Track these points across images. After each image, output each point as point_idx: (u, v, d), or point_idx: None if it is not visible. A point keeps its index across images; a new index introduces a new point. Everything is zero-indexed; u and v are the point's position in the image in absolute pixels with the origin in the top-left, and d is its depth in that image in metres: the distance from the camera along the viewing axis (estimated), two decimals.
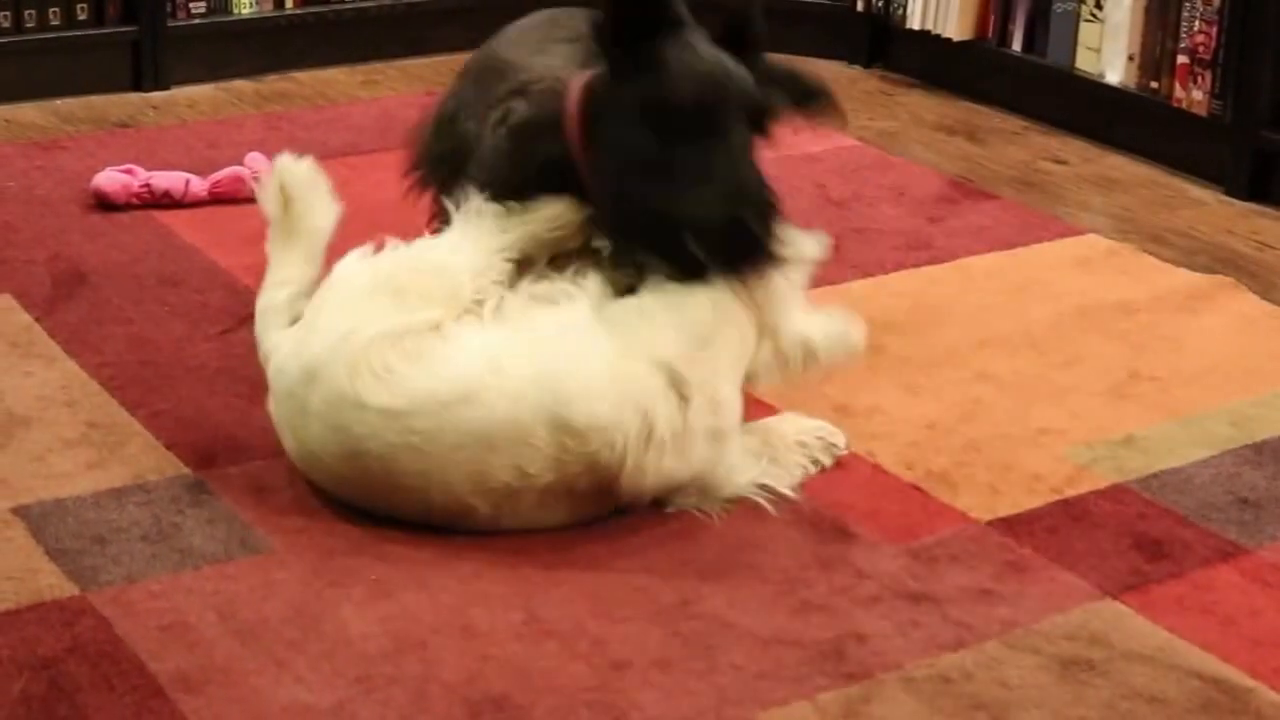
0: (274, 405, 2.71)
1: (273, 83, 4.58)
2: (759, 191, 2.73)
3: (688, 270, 2.70)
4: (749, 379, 2.80)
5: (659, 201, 2.68)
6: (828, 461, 2.84)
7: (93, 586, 2.48)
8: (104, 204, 3.69)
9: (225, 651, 2.36)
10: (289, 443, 2.70)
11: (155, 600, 2.46)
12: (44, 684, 2.27)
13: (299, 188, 2.85)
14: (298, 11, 4.69)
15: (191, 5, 4.56)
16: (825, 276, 3.50)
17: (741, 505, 2.73)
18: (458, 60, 4.79)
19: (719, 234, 2.67)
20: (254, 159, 3.74)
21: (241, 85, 4.59)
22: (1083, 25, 4.43)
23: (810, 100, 2.96)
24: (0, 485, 2.71)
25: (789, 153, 4.16)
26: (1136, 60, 4.32)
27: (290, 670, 2.33)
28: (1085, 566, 2.62)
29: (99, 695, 2.26)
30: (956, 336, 3.31)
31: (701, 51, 2.76)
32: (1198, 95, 4.19)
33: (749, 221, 2.68)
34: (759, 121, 2.80)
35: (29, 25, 4.37)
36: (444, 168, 3.02)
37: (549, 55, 3.03)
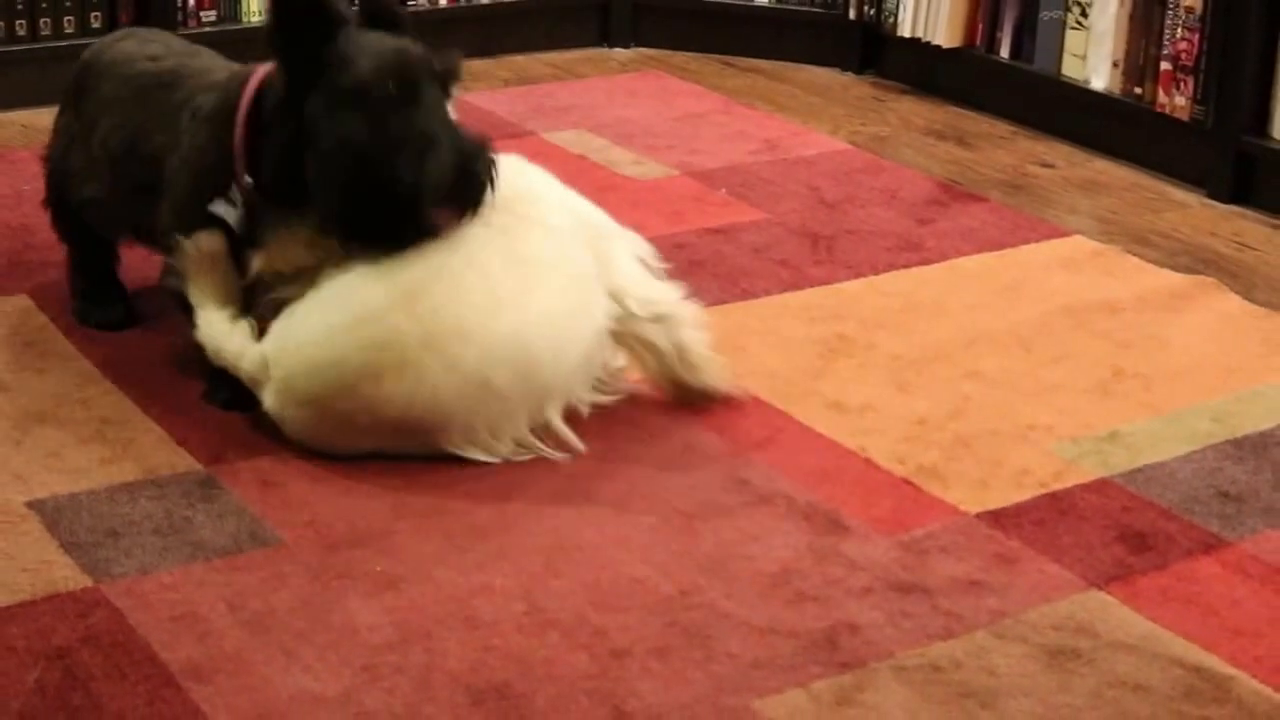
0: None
1: None
2: (477, 143, 2.87)
3: (417, 235, 2.80)
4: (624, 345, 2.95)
5: (398, 174, 2.75)
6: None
7: (106, 578, 2.48)
8: None
9: (235, 641, 2.36)
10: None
11: (167, 592, 2.46)
12: (58, 673, 2.27)
13: (218, 257, 2.89)
14: None
15: (202, 13, 4.56)
16: (818, 277, 3.52)
17: (738, 500, 2.73)
18: (467, 67, 4.81)
19: (456, 188, 2.82)
20: None
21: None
22: (1068, 33, 4.43)
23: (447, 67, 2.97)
24: (16, 480, 2.71)
25: (784, 156, 4.18)
26: (1121, 67, 4.33)
27: (298, 660, 2.32)
28: (1071, 558, 2.62)
29: (112, 684, 2.26)
30: (946, 335, 3.31)
31: (373, 38, 2.85)
32: (1180, 101, 4.19)
33: (480, 172, 2.82)
34: (444, 86, 2.89)
35: (44, 33, 4.38)
36: (142, 197, 3.03)
37: (198, 59, 3.18)
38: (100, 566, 2.50)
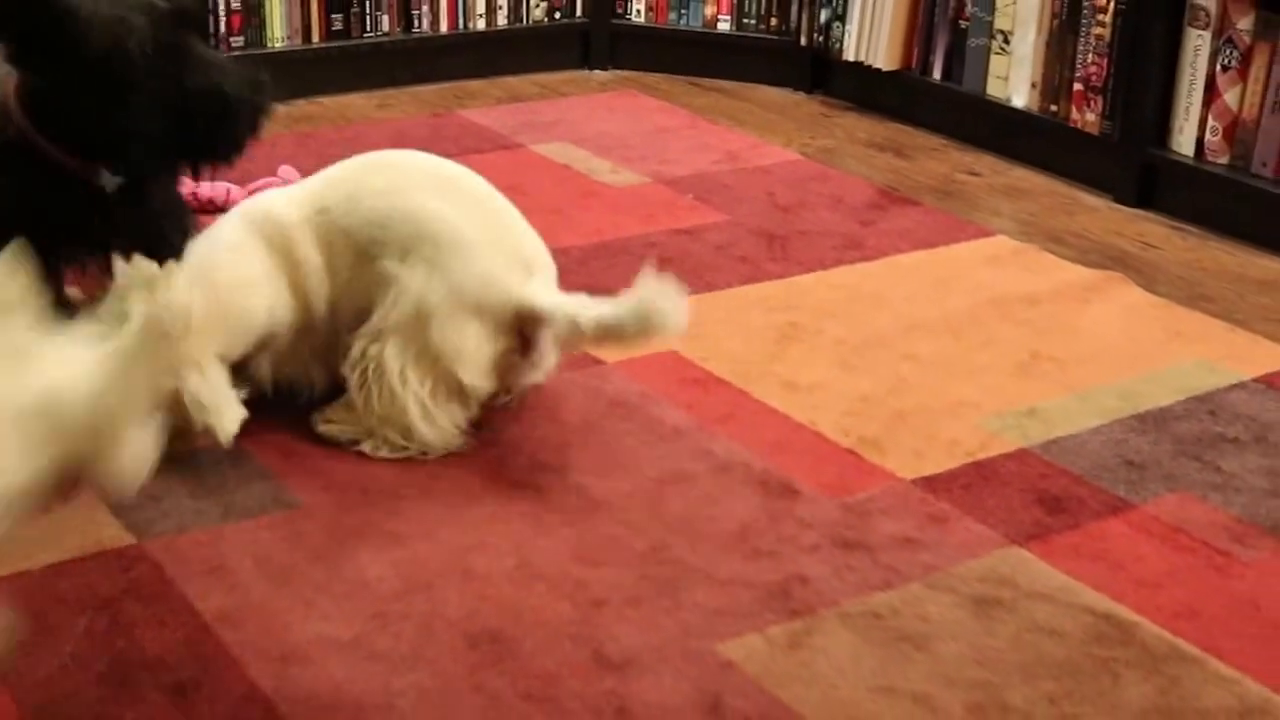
0: None
1: (301, 106, 4.57)
2: (249, 67, 2.85)
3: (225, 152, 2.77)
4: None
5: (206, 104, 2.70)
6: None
7: (147, 536, 2.47)
8: None
9: (260, 592, 2.35)
10: None
11: (200, 548, 2.45)
12: (105, 620, 2.27)
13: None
14: (322, 45, 4.69)
15: (231, 39, 4.55)
16: (774, 272, 3.52)
17: (703, 468, 2.73)
18: (461, 86, 4.82)
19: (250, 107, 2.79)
20: (286, 170, 3.73)
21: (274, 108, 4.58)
22: (993, 57, 4.43)
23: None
24: None
25: (743, 166, 4.18)
26: (1038, 87, 4.32)
27: (316, 608, 2.32)
28: (995, 519, 2.62)
29: (152, 630, 2.26)
30: (886, 323, 3.31)
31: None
32: (1091, 117, 4.19)
33: (265, 88, 2.82)
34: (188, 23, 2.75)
35: None
36: None
37: None
38: (142, 526, 2.50)
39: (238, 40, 4.56)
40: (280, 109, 4.54)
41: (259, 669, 2.19)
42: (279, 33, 4.63)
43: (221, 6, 4.52)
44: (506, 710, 2.13)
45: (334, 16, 4.72)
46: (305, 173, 3.55)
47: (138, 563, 2.41)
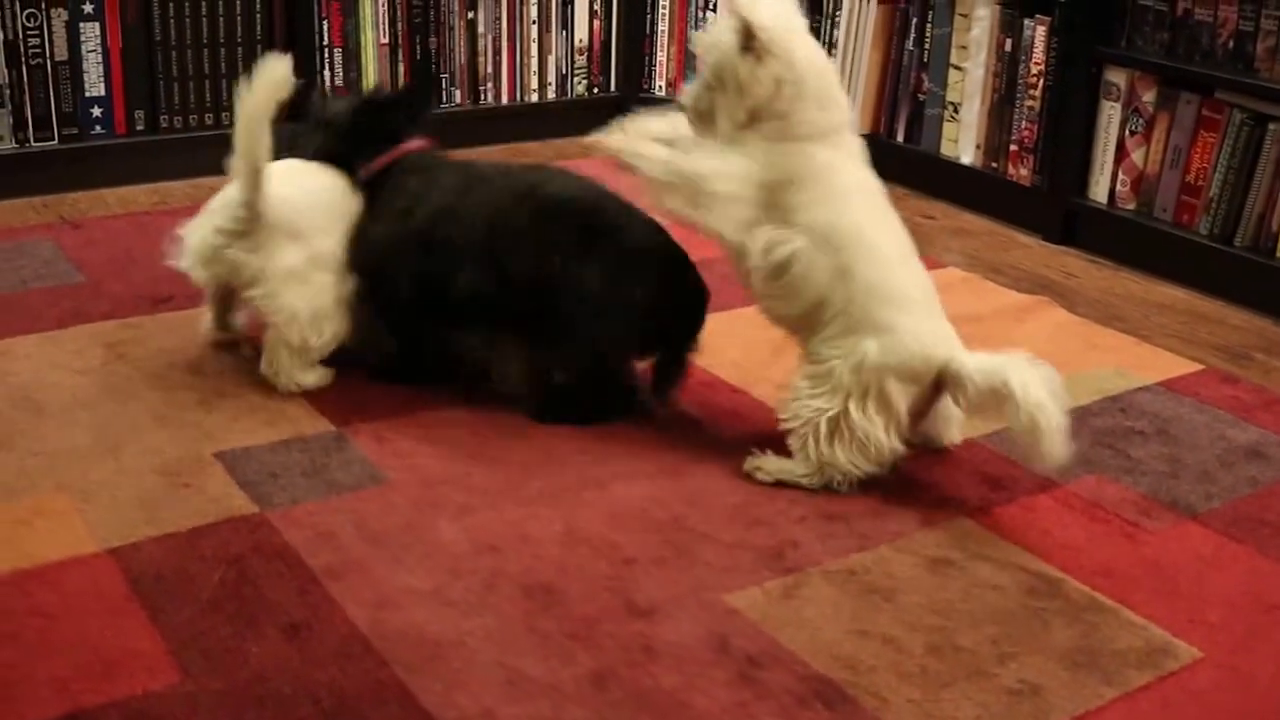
0: None
1: None
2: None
3: None
4: None
5: None
6: None
7: (269, 507, 2.47)
8: None
9: (359, 552, 2.35)
10: None
11: (311, 517, 2.45)
12: (235, 574, 2.27)
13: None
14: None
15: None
16: None
17: (712, 454, 2.73)
18: (519, 147, 4.81)
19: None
20: None
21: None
22: (945, 123, 4.42)
23: None
24: (207, 438, 2.71)
25: None
26: (982, 148, 4.32)
27: (403, 564, 2.32)
28: (948, 495, 2.61)
29: (272, 581, 2.26)
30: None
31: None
32: (1024, 172, 4.18)
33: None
34: None
35: (226, 124, 4.37)
36: None
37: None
38: (264, 498, 2.50)
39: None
40: None
41: (357, 613, 2.18)
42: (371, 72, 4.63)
43: (327, 84, 4.52)
44: (555, 647, 2.13)
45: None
46: None
47: (261, 527, 2.41)
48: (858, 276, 2.57)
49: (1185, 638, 2.22)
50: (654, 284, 2.80)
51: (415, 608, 2.21)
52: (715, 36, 2.61)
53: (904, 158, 4.56)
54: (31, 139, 4.12)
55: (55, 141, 4.17)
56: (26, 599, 2.19)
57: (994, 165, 4.29)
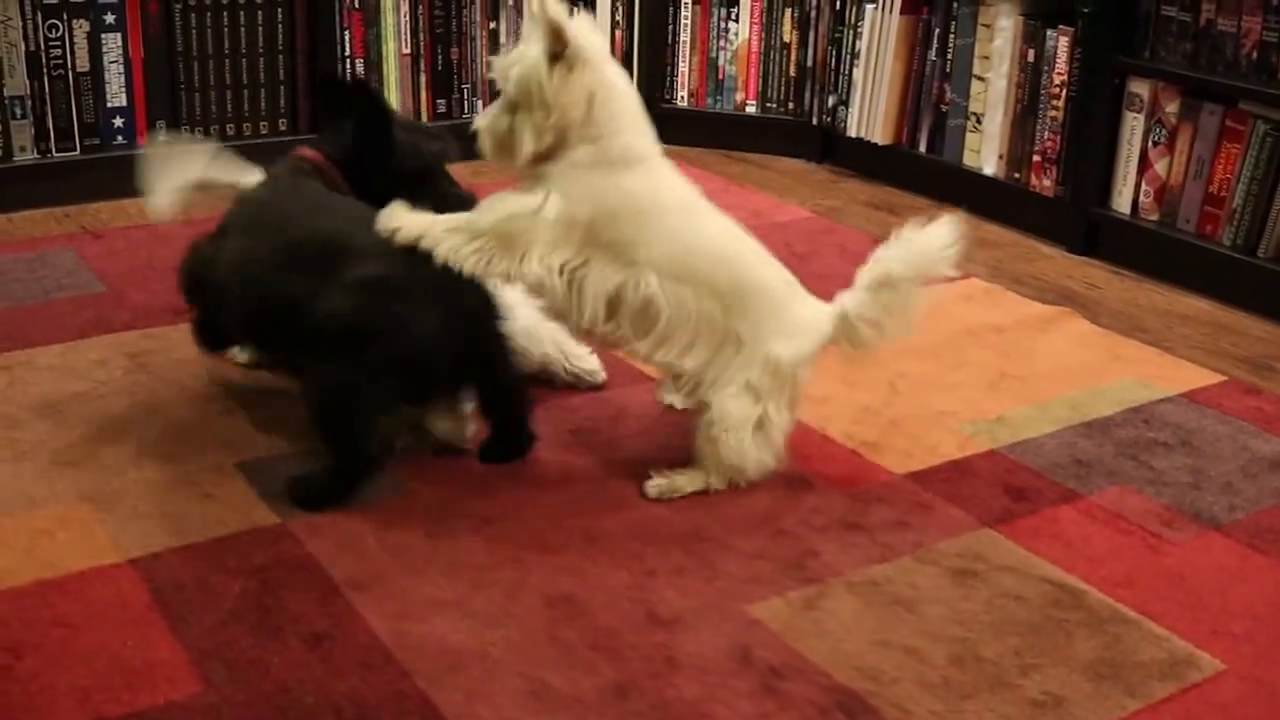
0: None
1: None
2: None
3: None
4: None
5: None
6: None
7: (291, 518, 2.48)
8: None
9: (381, 562, 2.36)
10: None
11: (333, 527, 2.46)
12: (256, 584, 2.28)
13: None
14: (430, 124, 4.69)
15: None
16: None
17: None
18: None
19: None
20: None
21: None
22: (968, 134, 4.42)
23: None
24: (227, 446, 2.71)
25: (767, 222, 4.17)
26: (1005, 159, 4.31)
27: (425, 575, 2.33)
28: (970, 506, 2.61)
29: (295, 592, 2.26)
30: (881, 347, 3.30)
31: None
32: (1047, 183, 4.18)
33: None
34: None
35: (247, 134, 4.38)
36: None
37: None
38: (286, 510, 2.50)
39: None
40: None
41: (378, 623, 2.19)
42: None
43: None
44: (577, 658, 2.13)
45: (439, 101, 4.73)
46: None
47: (283, 538, 2.42)
48: (740, 294, 2.56)
49: (1208, 649, 2.22)
50: (415, 313, 2.47)
51: (437, 618, 2.21)
52: (519, 53, 2.43)
53: (926, 168, 4.56)
54: (53, 149, 4.14)
55: (77, 152, 4.19)
56: (49, 609, 2.20)
57: (1016, 176, 4.28)
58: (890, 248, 2.59)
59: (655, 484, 2.61)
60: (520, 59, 2.43)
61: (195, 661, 2.09)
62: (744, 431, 2.56)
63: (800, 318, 2.62)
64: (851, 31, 4.71)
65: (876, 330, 2.61)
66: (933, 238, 2.59)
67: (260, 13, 4.36)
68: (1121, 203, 4.00)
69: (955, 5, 4.42)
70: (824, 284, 3.71)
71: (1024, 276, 3.87)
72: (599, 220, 2.48)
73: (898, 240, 2.59)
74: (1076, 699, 2.09)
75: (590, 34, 2.45)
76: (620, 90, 2.49)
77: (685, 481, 2.62)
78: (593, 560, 2.39)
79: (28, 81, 4.07)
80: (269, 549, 2.38)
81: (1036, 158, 4.20)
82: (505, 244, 2.47)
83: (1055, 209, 4.16)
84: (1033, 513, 2.60)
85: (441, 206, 2.62)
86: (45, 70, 4.09)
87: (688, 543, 2.46)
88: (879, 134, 4.66)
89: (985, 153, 4.37)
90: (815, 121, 4.90)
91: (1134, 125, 3.94)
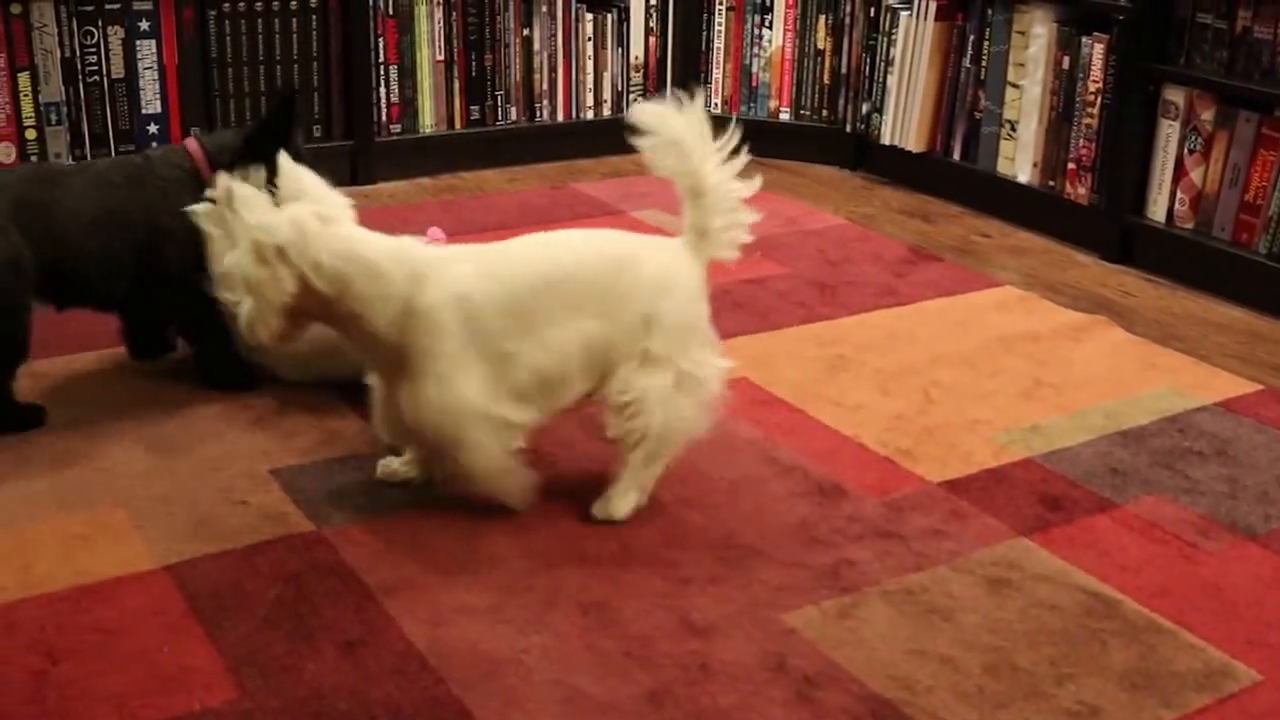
0: None
1: (446, 180, 4.60)
2: None
3: None
4: None
5: None
6: None
7: (325, 525, 2.49)
8: None
9: (414, 568, 2.36)
10: None
11: (366, 534, 2.47)
12: (292, 590, 2.29)
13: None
14: (463, 131, 4.71)
15: (390, 126, 4.58)
16: (825, 314, 3.51)
17: (770, 472, 2.73)
18: (574, 164, 4.83)
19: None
20: (433, 231, 3.73)
21: (424, 181, 4.60)
22: (1002, 142, 4.41)
23: None
24: (264, 455, 2.72)
25: (800, 229, 4.17)
26: (1039, 166, 4.31)
27: (459, 581, 2.33)
28: (1005, 514, 2.61)
29: (329, 598, 2.27)
30: (916, 356, 3.30)
31: None
32: (1081, 190, 4.17)
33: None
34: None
35: None
36: None
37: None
38: (320, 516, 2.51)
39: (396, 127, 4.58)
40: (428, 182, 4.59)
41: (413, 629, 2.20)
42: (429, 121, 4.66)
43: (383, 101, 4.55)
44: (611, 665, 2.13)
45: (472, 108, 4.74)
46: (449, 232, 3.57)
47: (317, 545, 2.42)
48: (580, 295, 2.47)
49: (1245, 660, 2.21)
50: None
51: (471, 625, 2.22)
52: (234, 259, 2.35)
53: (960, 176, 4.55)
54: (88, 156, 4.16)
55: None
56: (85, 614, 2.21)
57: (1051, 184, 4.28)
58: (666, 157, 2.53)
59: (602, 508, 2.56)
60: (236, 266, 2.36)
61: (230, 667, 2.10)
62: (667, 400, 2.48)
63: (654, 268, 2.51)
64: (886, 38, 4.71)
65: (724, 229, 2.57)
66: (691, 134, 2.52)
67: (294, 19, 4.38)
68: (1156, 211, 3.99)
69: (990, 12, 4.41)
70: (857, 292, 3.72)
71: (1058, 284, 3.87)
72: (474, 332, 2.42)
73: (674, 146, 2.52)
74: (1111, 709, 2.08)
75: (299, 224, 2.36)
76: (348, 261, 2.39)
77: (619, 499, 2.55)
78: (627, 568, 2.40)
79: (63, 88, 4.10)
80: (303, 555, 2.39)
81: (1071, 165, 4.20)
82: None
83: (1090, 217, 4.16)
84: (1068, 522, 2.60)
85: None
86: (81, 77, 4.12)
87: (722, 550, 2.46)
88: (913, 141, 4.66)
89: (1020, 160, 4.36)
90: (849, 129, 4.90)
91: (1169, 133, 3.93)
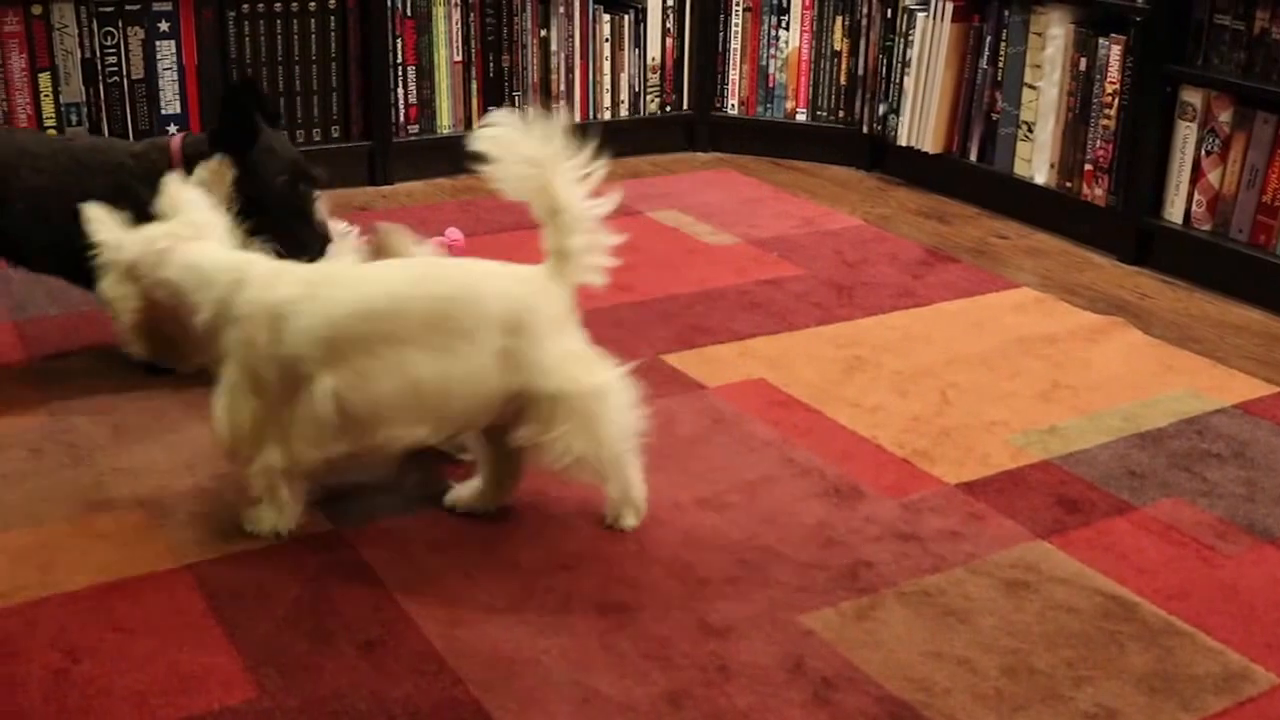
0: None
1: (463, 180, 4.59)
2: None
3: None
4: None
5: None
6: None
7: (344, 524, 2.49)
8: None
9: (433, 568, 2.37)
10: None
11: (386, 534, 2.47)
12: (310, 590, 2.29)
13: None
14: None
15: (408, 126, 4.58)
16: (842, 315, 3.51)
17: (787, 473, 2.73)
18: None
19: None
20: (451, 232, 3.73)
21: (442, 181, 4.60)
22: (1019, 143, 4.41)
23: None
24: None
25: (817, 230, 4.17)
26: (1056, 167, 4.30)
27: (478, 581, 2.34)
28: (1022, 517, 2.61)
29: (348, 597, 2.28)
30: (933, 357, 3.30)
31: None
32: (1099, 191, 4.17)
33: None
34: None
35: (300, 140, 4.40)
36: None
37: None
38: (340, 516, 2.52)
39: (414, 128, 4.58)
40: (446, 183, 4.59)
41: (432, 629, 2.20)
42: (446, 121, 4.66)
43: (401, 101, 4.55)
44: (629, 666, 2.14)
45: (489, 107, 4.72)
46: (467, 232, 3.57)
47: (336, 545, 2.43)
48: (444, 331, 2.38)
49: (1263, 663, 2.21)
50: None
51: (490, 625, 2.22)
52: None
53: (977, 177, 4.55)
54: None
55: None
56: (106, 613, 2.22)
57: (1068, 185, 4.27)
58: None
59: (607, 519, 2.54)
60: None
61: (249, 667, 2.10)
62: (586, 427, 2.40)
63: (501, 303, 2.36)
64: (902, 40, 4.71)
65: (584, 250, 2.44)
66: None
67: (313, 20, 4.39)
68: (1174, 212, 3.99)
69: (1007, 13, 4.41)
70: (874, 293, 3.72)
71: (1075, 286, 3.86)
72: (298, 361, 2.38)
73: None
74: (1129, 712, 2.08)
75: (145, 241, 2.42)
76: (182, 280, 2.42)
77: (620, 509, 2.54)
78: (645, 569, 2.40)
79: (83, 88, 4.11)
80: (322, 555, 2.40)
81: (1088, 167, 4.19)
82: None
83: (1107, 218, 4.15)
84: (1085, 524, 2.60)
85: (299, 231, 2.97)
86: (101, 77, 4.13)
87: (739, 552, 2.46)
88: (929, 142, 4.65)
89: (1036, 162, 4.36)
90: (865, 130, 4.90)
91: (1186, 134, 3.93)
